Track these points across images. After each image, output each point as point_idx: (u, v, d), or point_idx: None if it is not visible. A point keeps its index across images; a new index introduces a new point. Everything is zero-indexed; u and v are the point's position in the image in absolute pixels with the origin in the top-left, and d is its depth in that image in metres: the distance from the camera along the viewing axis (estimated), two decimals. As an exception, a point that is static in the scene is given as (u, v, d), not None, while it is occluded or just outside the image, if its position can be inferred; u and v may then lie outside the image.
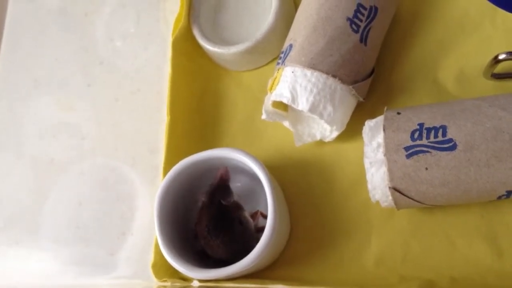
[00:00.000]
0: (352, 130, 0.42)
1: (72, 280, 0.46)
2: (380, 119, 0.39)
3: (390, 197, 0.37)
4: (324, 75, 0.40)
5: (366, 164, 0.38)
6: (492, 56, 0.40)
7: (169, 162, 0.44)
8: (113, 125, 0.50)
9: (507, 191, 0.35)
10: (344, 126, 0.42)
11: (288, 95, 0.41)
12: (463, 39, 0.44)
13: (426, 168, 0.35)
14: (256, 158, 0.40)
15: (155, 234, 0.41)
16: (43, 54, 0.55)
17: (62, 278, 0.46)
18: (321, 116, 0.40)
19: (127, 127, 0.50)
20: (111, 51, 0.53)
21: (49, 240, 0.48)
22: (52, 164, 0.50)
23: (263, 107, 0.44)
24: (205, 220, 0.40)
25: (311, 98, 0.40)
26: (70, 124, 0.51)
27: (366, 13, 0.41)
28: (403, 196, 0.36)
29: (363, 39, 0.41)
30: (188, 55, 0.49)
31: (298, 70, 0.41)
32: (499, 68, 0.41)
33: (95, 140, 0.50)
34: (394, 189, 0.36)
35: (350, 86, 0.41)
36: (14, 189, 0.50)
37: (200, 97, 0.49)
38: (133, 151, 0.49)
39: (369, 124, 0.39)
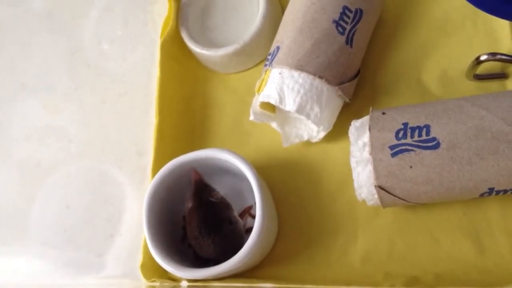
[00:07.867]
0: (338, 130, 0.43)
1: (60, 281, 0.46)
2: (365, 119, 0.39)
3: (376, 196, 0.38)
4: (311, 76, 0.41)
5: (352, 163, 0.38)
6: (474, 57, 0.41)
7: (158, 164, 0.44)
8: (101, 127, 0.50)
9: (489, 189, 0.36)
10: (331, 127, 0.43)
11: (276, 96, 0.41)
12: (446, 41, 0.45)
13: (411, 166, 0.36)
14: (244, 158, 0.40)
15: (143, 235, 0.41)
16: (30, 57, 0.54)
17: (50, 279, 0.46)
18: (308, 116, 0.41)
19: (115, 129, 0.50)
20: (98, 54, 0.53)
21: (37, 243, 0.47)
22: (39, 167, 0.50)
23: (251, 108, 0.44)
24: (195, 221, 0.40)
25: (298, 99, 0.41)
26: (57, 127, 0.51)
27: (351, 15, 0.42)
28: (388, 194, 0.37)
29: (349, 41, 0.42)
30: (176, 58, 0.49)
31: (286, 72, 0.41)
32: (481, 69, 0.41)
33: (82, 143, 0.50)
34: (380, 187, 0.37)
35: (336, 87, 0.41)
36: (1, 192, 0.50)
37: (188, 99, 0.49)
38: (121, 153, 0.49)
39: (355, 124, 0.40)
